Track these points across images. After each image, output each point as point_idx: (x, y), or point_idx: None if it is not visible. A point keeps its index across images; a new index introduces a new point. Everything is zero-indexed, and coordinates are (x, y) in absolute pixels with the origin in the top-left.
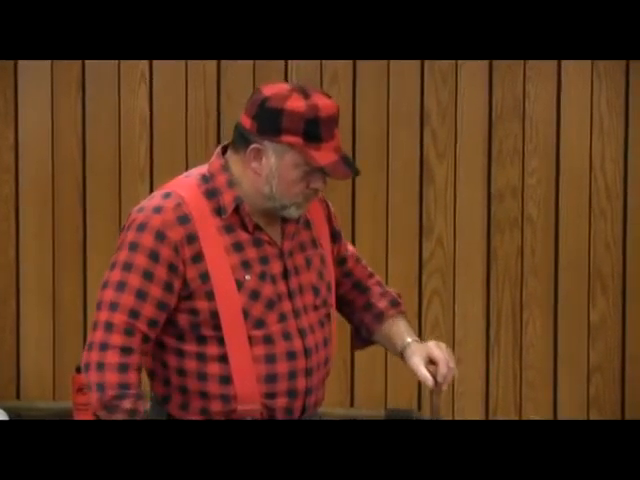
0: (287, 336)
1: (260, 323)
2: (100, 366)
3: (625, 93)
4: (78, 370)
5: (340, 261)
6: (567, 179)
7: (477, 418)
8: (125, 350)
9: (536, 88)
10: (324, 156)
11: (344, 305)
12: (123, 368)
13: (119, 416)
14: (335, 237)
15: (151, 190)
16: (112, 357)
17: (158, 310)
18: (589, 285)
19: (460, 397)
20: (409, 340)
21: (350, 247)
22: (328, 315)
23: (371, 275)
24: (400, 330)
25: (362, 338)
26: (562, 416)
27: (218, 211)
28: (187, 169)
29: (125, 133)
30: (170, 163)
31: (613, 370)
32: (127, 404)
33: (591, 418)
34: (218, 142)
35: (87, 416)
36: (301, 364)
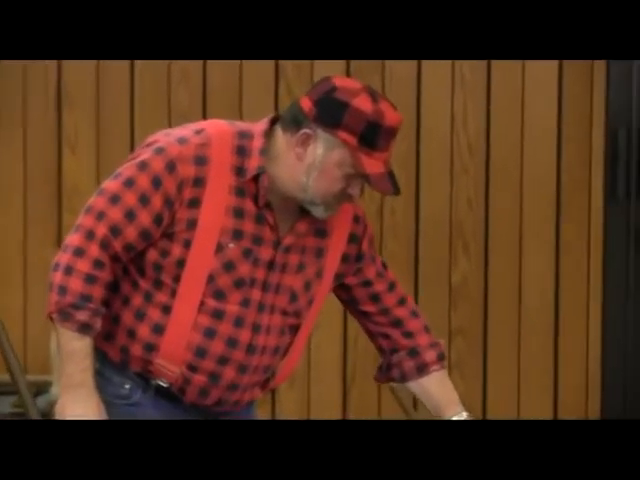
0: (238, 322)
1: (220, 295)
2: (68, 270)
3: None
4: None
5: (364, 283)
6: (428, 135)
7: (333, 387)
8: (98, 263)
9: None
10: (372, 165)
11: (381, 337)
12: (90, 279)
13: (70, 326)
14: (359, 258)
15: None
16: (83, 265)
17: (139, 237)
18: (450, 244)
19: (316, 365)
20: (465, 415)
21: (389, 275)
22: (295, 327)
23: (414, 314)
24: (448, 395)
25: (390, 377)
26: None
27: (239, 171)
28: None
29: None
30: None
31: (475, 333)
32: (82, 316)
33: (452, 382)
34: None
35: None
36: (238, 356)
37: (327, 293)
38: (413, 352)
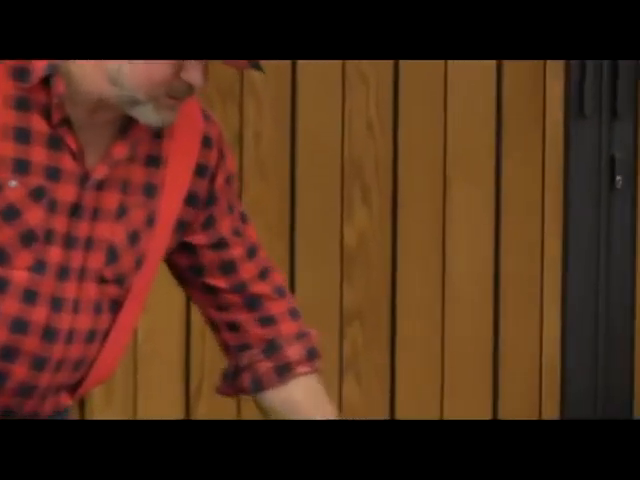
0: (29, 296)
1: None
2: None
3: None
4: None
5: (217, 243)
6: None
7: (171, 399)
8: None
9: None
10: None
11: (227, 327)
12: None
13: None
14: (210, 201)
15: None
16: None
17: None
18: (342, 188)
19: (144, 367)
20: None
21: (249, 234)
22: (119, 304)
23: (279, 292)
24: (321, 409)
25: (239, 387)
26: None
27: (19, 73)
28: None
29: None
30: None
31: (378, 317)
32: None
33: (347, 388)
34: None
35: None
36: (31, 345)
37: (165, 249)
38: (272, 347)
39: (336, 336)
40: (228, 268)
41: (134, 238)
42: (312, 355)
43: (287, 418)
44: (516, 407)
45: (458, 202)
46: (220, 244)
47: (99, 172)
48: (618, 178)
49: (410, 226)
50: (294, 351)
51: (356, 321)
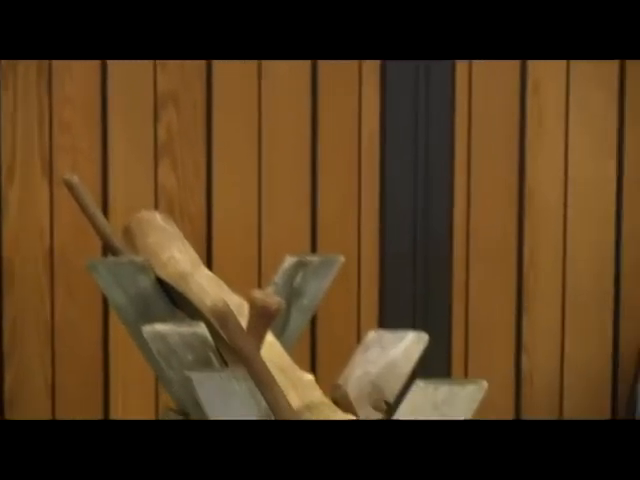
0: None
1: None
2: None
3: None
4: None
5: None
6: None
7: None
8: None
9: None
10: None
11: None
12: None
13: None
14: None
15: None
16: None
17: None
18: None
19: None
20: None
21: None
22: None
23: None
24: None
25: None
26: None
27: None
28: None
29: None
30: None
31: (194, 98)
32: None
33: (160, 172)
34: None
35: None
36: None
37: None
38: None
39: (150, 120)
40: None
41: None
42: None
43: None
44: (335, 243)
45: None
46: None
47: None
48: None
49: None
50: None
51: (170, 104)
